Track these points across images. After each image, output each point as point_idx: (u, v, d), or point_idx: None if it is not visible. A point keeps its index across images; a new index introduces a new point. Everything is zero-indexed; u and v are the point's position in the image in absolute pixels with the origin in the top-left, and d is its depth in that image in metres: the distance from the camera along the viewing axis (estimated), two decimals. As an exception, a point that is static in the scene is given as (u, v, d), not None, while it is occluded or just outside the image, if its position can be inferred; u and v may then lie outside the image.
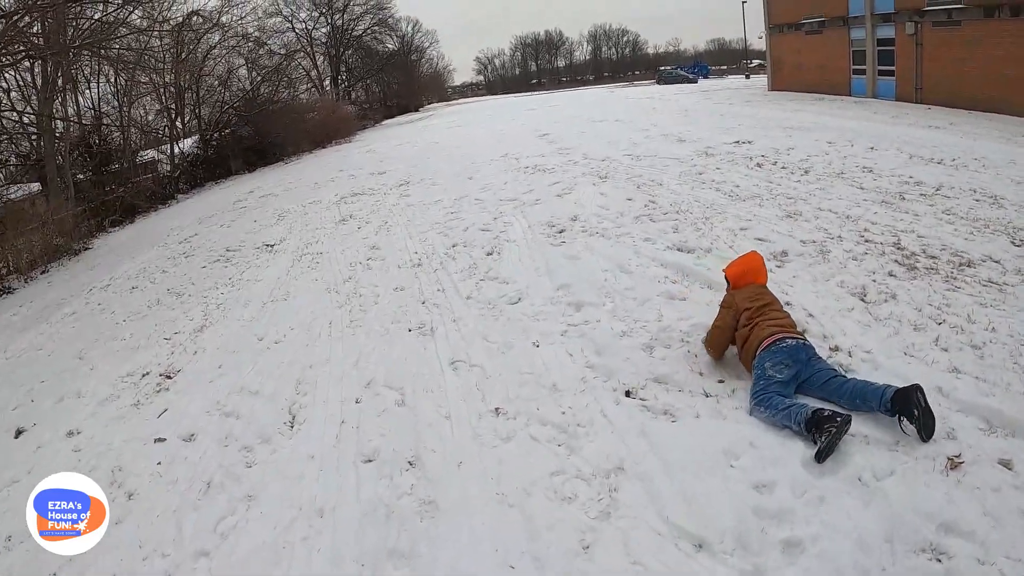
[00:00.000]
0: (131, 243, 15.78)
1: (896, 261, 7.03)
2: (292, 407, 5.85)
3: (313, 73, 53.77)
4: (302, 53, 50.31)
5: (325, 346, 6.97)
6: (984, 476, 3.88)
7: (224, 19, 29.90)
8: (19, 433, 6.52)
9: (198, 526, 4.54)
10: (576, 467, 4.46)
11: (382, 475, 4.71)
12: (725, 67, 77.49)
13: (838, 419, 4.15)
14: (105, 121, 24.55)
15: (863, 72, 24.23)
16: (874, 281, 6.58)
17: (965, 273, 6.63)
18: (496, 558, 3.84)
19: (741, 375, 5.14)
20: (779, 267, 7.16)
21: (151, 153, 26.68)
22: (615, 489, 4.21)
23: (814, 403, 4.52)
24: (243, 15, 31.41)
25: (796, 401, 4.54)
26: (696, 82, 52.15)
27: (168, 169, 26.23)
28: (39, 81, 20.38)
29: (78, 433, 6.20)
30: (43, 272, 14.41)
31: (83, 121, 23.58)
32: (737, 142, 14.66)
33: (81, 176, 22.05)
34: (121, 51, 20.72)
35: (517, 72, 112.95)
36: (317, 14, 56.64)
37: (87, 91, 24.59)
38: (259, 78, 33.01)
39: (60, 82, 21.22)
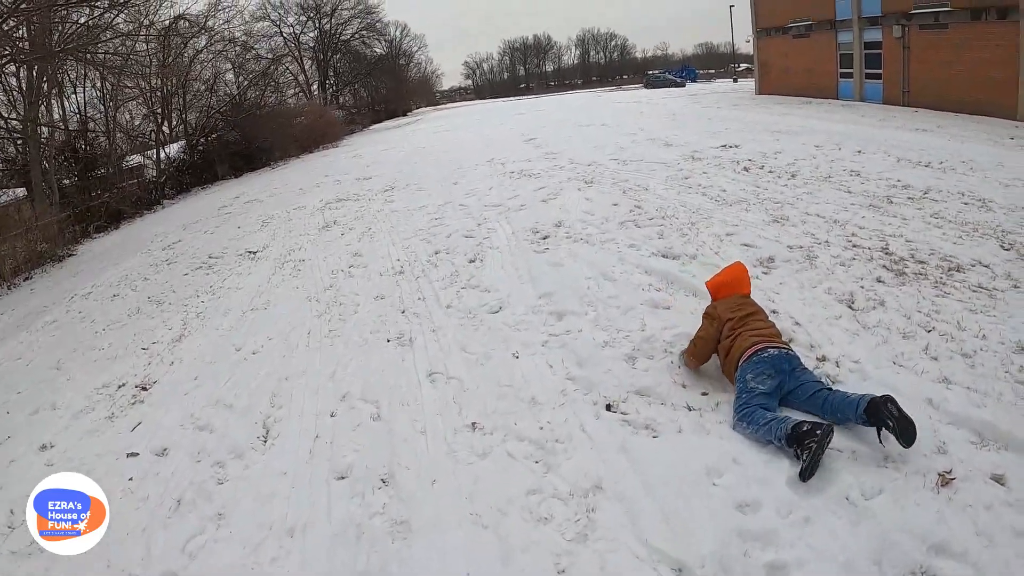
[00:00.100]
0: (115, 249, 15.54)
1: (884, 267, 6.92)
2: (266, 421, 5.67)
3: (301, 77, 53.67)
4: (290, 57, 50.22)
5: (302, 357, 6.80)
6: (976, 493, 3.74)
7: (211, 23, 29.73)
8: (-8, 447, 6.30)
9: (167, 545, 4.36)
10: (553, 486, 4.29)
11: (354, 493, 4.55)
12: (713, 71, 78.16)
13: (818, 432, 3.97)
14: (91, 126, 24.27)
15: (850, 75, 24.33)
16: (862, 287, 6.46)
17: (954, 278, 6.52)
18: (469, 582, 3.66)
19: (726, 387, 4.98)
20: (765, 274, 7.02)
21: (137, 158, 26.41)
22: (593, 509, 4.05)
23: (797, 416, 4.37)
24: (230, 19, 31.16)
25: (777, 415, 4.36)
26: (684, 86, 52.47)
27: (154, 174, 25.96)
28: (24, 85, 20.09)
29: (51, 447, 6.00)
30: (26, 279, 14.20)
31: (69, 126, 23.31)
32: (724, 146, 14.62)
33: (67, 181, 21.73)
34: (107, 55, 20.50)
35: (505, 76, 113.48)
36: (305, 18, 56.69)
37: (73, 95, 24.35)
38: (246, 83, 32.78)
39: (46, 87, 20.99)
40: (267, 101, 33.42)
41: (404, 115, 63.37)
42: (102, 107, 25.05)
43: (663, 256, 7.87)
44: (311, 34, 57.16)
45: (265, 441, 5.40)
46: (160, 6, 25.78)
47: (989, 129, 15.26)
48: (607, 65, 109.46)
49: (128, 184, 23.31)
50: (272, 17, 53.01)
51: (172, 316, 8.91)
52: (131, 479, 5.17)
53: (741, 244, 7.94)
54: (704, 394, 5.02)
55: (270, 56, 41.79)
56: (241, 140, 29.15)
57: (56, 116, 23.21)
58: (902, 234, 7.82)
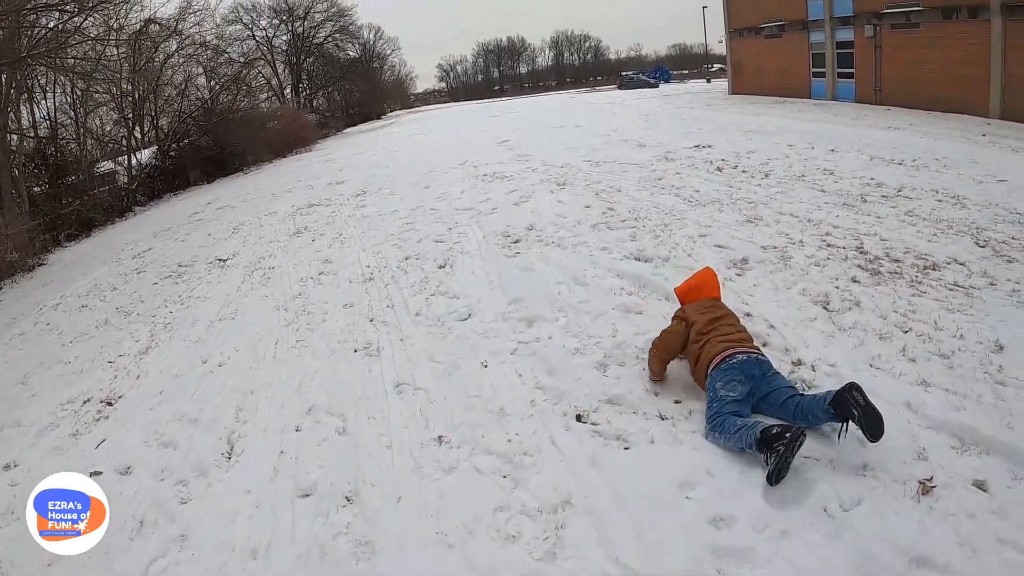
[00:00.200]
0: (86, 258, 15.24)
1: (859, 266, 6.84)
2: (231, 436, 5.51)
3: (274, 81, 53.07)
4: (262, 61, 49.71)
5: (269, 369, 6.62)
6: (958, 500, 3.63)
7: (182, 27, 29.28)
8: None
9: (128, 569, 4.21)
10: (521, 502, 4.12)
11: (318, 512, 4.38)
12: (686, 71, 78.55)
13: (787, 435, 3.82)
14: (61, 132, 23.83)
15: (823, 75, 24.47)
16: (837, 288, 6.37)
17: (930, 277, 6.46)
18: (433, 606, 3.48)
19: (699, 394, 4.82)
20: (739, 275, 6.91)
21: (108, 164, 25.99)
22: (562, 526, 3.88)
23: (769, 421, 4.23)
24: (200, 20, 30.68)
25: (748, 422, 4.20)
26: (657, 87, 52.62)
27: (126, 181, 25.55)
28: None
29: (15, 466, 5.82)
30: (-4, 289, 13.83)
31: (38, 132, 22.87)
32: (697, 146, 14.57)
33: (37, 189, 21.43)
34: (77, 61, 20.12)
35: (480, 79, 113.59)
36: (278, 21, 56.18)
37: (43, 101, 23.85)
38: (218, 87, 32.38)
39: (14, 93, 20.55)
40: (240, 105, 33.06)
41: (378, 118, 63.01)
42: (72, 113, 24.61)
43: (635, 259, 7.73)
44: (284, 37, 56.75)
45: (229, 458, 5.23)
46: (130, 10, 25.42)
47: (961, 126, 15.34)
48: (581, 67, 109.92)
49: (99, 191, 22.92)
50: (244, 20, 52.57)
51: (140, 327, 8.70)
52: (95, 499, 4.98)
53: (714, 245, 7.83)
54: (677, 402, 4.87)
55: (242, 60, 41.40)
56: (213, 145, 28.80)
57: (25, 123, 22.77)
58: (877, 233, 7.76)
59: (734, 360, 4.53)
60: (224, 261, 11.26)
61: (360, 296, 8.06)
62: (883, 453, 3.94)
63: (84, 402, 6.82)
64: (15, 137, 20.93)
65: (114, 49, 23.96)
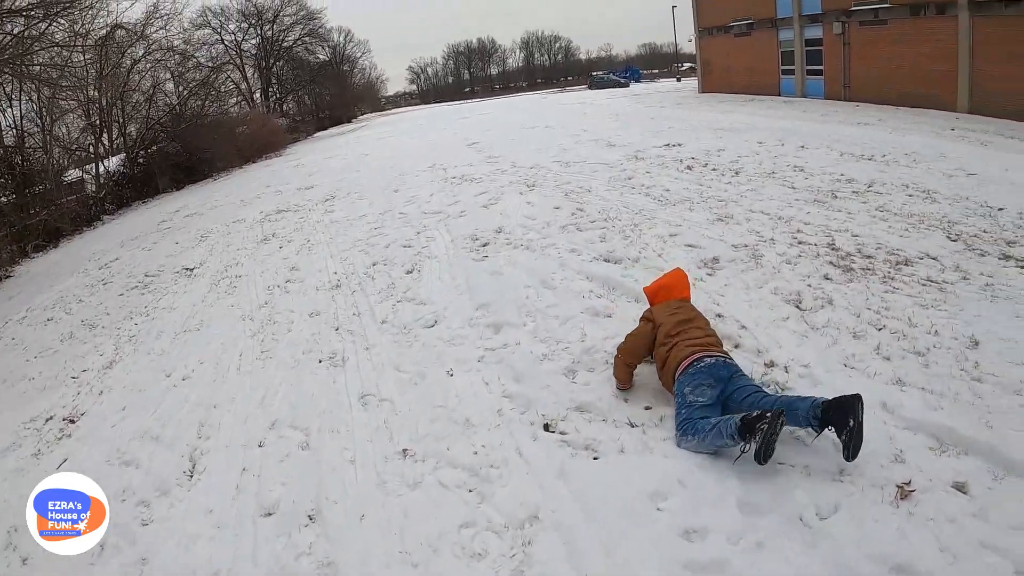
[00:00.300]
0: (54, 269, 14.92)
1: (831, 263, 6.79)
2: (193, 453, 5.32)
3: (243, 86, 52.57)
4: (231, 65, 49.22)
5: (233, 382, 6.43)
6: (938, 504, 3.53)
7: (149, 32, 28.73)
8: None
9: None
10: (487, 517, 3.96)
11: (280, 532, 4.21)
12: (657, 71, 78.92)
13: (768, 415, 3.74)
14: (28, 141, 23.26)
15: (792, 72, 24.64)
16: (809, 286, 6.29)
17: (903, 272, 6.42)
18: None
19: (670, 400, 4.65)
20: (710, 275, 6.82)
21: (76, 173, 25.40)
22: (529, 542, 3.72)
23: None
24: (167, 22, 30.02)
25: (722, 417, 4.09)
26: (628, 86, 52.85)
27: (94, 189, 25.01)
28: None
29: (-24, 489, 5.56)
30: (-37, 304, 13.40)
31: (4, 141, 22.31)
32: (667, 145, 14.54)
33: (3, 199, 20.82)
34: (42, 67, 19.67)
35: (450, 81, 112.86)
36: (247, 25, 55.70)
37: (8, 109, 23.25)
38: (186, 92, 31.86)
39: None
40: (208, 111, 32.54)
41: (349, 122, 62.42)
42: (39, 121, 24.04)
43: (605, 260, 7.62)
44: (253, 41, 56.34)
45: (191, 476, 5.06)
46: (96, 15, 24.90)
47: (930, 121, 15.48)
48: (552, 67, 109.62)
49: (67, 200, 22.36)
50: (213, 24, 52.01)
51: (104, 341, 8.48)
52: (56, 523, 4.79)
53: (685, 245, 7.76)
54: (647, 408, 4.73)
55: (211, 64, 40.82)
56: (182, 151, 28.31)
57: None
58: (848, 229, 7.72)
59: (702, 364, 4.39)
60: (191, 270, 11.02)
61: (327, 304, 7.89)
62: (860, 457, 3.80)
63: (47, 420, 6.60)
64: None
65: (80, 55, 23.44)
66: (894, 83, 19.23)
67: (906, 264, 6.60)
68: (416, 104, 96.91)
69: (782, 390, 4.67)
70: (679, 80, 51.84)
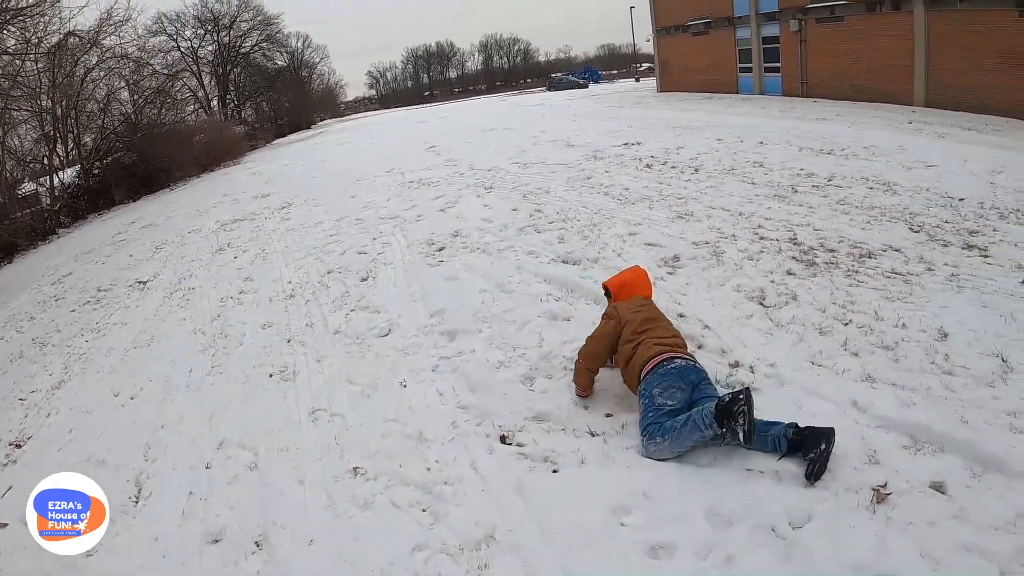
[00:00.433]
0: (6, 286, 14.35)
1: (794, 258, 6.72)
2: (139, 477, 5.01)
3: (200, 93, 51.50)
4: (188, 72, 48.30)
5: (181, 400, 6.13)
6: (916, 507, 3.36)
7: (103, 39, 27.95)
8: None
9: None
10: (441, 539, 3.70)
11: (226, 560, 3.95)
12: (616, 72, 79.40)
13: (741, 396, 3.65)
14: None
15: (749, 70, 24.85)
16: (772, 282, 6.19)
17: (866, 265, 6.38)
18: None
19: (632, 405, 4.46)
20: (671, 274, 6.70)
21: (30, 186, 24.68)
22: (485, 565, 3.48)
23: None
24: (119, 26, 29.09)
25: (690, 411, 3.91)
26: (587, 87, 53.13)
27: (48, 202, 24.29)
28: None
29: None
30: (-85, 325, 12.88)
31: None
32: (626, 144, 14.53)
33: (-44, 215, 20.21)
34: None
35: (410, 85, 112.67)
36: (203, 31, 54.52)
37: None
38: (141, 101, 31.14)
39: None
40: (165, 119, 31.86)
41: (308, 128, 61.60)
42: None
43: (563, 261, 7.48)
44: (210, 47, 54.97)
45: (137, 502, 4.75)
46: (49, 23, 24.21)
47: (888, 115, 15.67)
48: (511, 70, 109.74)
49: (21, 214, 21.76)
50: (169, 31, 50.74)
51: (54, 360, 8.10)
52: None
53: (645, 243, 7.65)
54: (608, 415, 4.51)
55: (167, 72, 40.04)
56: (139, 161, 27.53)
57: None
58: (809, 223, 7.69)
59: (672, 365, 4.19)
60: (144, 283, 10.64)
61: (279, 315, 7.63)
62: (832, 460, 3.65)
63: (-7, 445, 6.27)
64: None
65: (33, 64, 22.83)
66: (851, 79, 19.46)
67: (869, 257, 6.56)
68: (376, 109, 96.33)
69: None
70: (638, 80, 52.18)
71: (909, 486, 3.49)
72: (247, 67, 57.85)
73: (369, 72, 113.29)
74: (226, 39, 55.84)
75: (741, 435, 3.62)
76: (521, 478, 4.04)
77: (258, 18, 57.76)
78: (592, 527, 3.55)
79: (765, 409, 4.02)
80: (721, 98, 23.92)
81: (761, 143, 12.66)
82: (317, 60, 74.06)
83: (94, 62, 27.63)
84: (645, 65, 59.79)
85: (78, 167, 26.29)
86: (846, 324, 5.26)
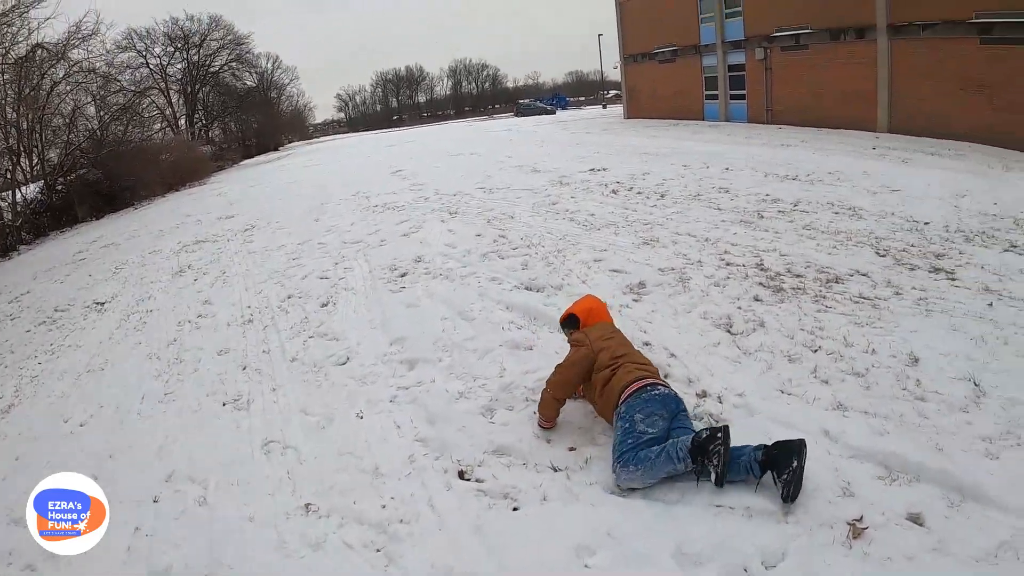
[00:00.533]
0: (-34, 305, 14.00)
1: (761, 284, 6.68)
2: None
3: (168, 111, 51.16)
4: (156, 90, 47.92)
5: (132, 428, 5.91)
6: (894, 541, 3.25)
7: (71, 52, 27.49)
8: None
9: None
10: (395, 584, 3.49)
11: None
12: (583, 98, 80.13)
13: (719, 435, 3.57)
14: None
15: (715, 97, 25.16)
16: (739, 308, 6.12)
17: (834, 290, 6.36)
18: None
19: (596, 439, 4.32)
20: (636, 301, 6.61)
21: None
22: (442, 612, 3.26)
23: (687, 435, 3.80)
24: (85, 41, 28.63)
25: (666, 442, 3.78)
26: (555, 113, 53.58)
27: (10, 218, 23.74)
28: None
29: None
30: None
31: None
32: (593, 170, 14.58)
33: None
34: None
35: (379, 108, 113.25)
36: (172, 49, 54.43)
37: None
38: (108, 117, 30.65)
39: None
40: (131, 136, 31.43)
41: (276, 150, 61.34)
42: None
43: (527, 288, 7.37)
44: (179, 65, 54.96)
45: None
46: (18, 32, 23.81)
47: (852, 141, 15.92)
48: (479, 95, 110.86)
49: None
50: (138, 47, 50.63)
51: (6, 382, 7.85)
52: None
53: (610, 270, 7.58)
54: (571, 449, 4.34)
55: (134, 88, 39.53)
56: (103, 179, 27.17)
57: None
58: (776, 248, 7.68)
59: (656, 392, 4.07)
60: (102, 304, 10.42)
61: (237, 340, 7.45)
62: (805, 493, 3.54)
63: (-60, 475, 6.00)
64: None
65: (-1, 74, 22.45)
66: (816, 106, 19.79)
67: (837, 282, 6.54)
68: (345, 132, 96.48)
69: (716, 422, 4.38)
70: (605, 107, 52.82)
71: (885, 519, 3.38)
72: (216, 86, 57.93)
73: (338, 95, 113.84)
74: (196, 57, 55.98)
75: (713, 476, 3.54)
76: (480, 516, 3.85)
77: (228, 37, 57.87)
78: (554, 568, 3.39)
79: (735, 441, 3.86)
80: (687, 125, 24.20)
81: (727, 169, 12.74)
82: (287, 82, 74.20)
83: (61, 75, 27.30)
84: (613, 92, 60.51)
85: (42, 182, 25.94)
86: (815, 351, 5.19)
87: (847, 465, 3.80)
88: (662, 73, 28.45)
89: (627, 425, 3.95)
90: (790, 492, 3.48)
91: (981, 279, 6.34)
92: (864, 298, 6.07)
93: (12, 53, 23.03)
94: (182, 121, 53.49)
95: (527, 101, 65.45)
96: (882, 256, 7.10)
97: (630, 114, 31.41)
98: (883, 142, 15.48)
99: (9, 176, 24.74)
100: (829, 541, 3.28)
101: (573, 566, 3.38)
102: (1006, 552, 3.09)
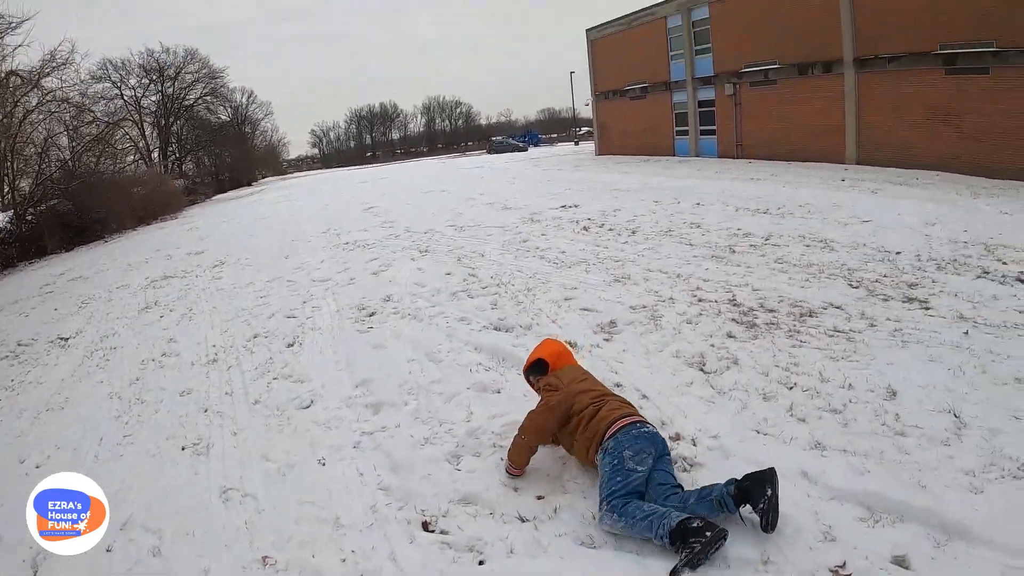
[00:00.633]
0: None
1: (734, 319, 6.61)
2: (36, 559, 4.49)
3: (141, 143, 50.60)
4: (129, 122, 47.46)
5: (88, 472, 5.40)
6: None
7: (44, 81, 27.22)
8: None
9: None
10: (353, 646, 3.29)
11: None
12: (556, 135, 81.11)
13: (708, 533, 3.33)
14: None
15: (686, 133, 25.48)
16: (712, 346, 6.03)
17: (808, 324, 6.30)
18: None
19: (565, 486, 4.14)
20: (607, 340, 6.49)
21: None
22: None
23: (677, 512, 3.58)
24: (58, 69, 28.34)
25: (658, 509, 3.58)
26: (527, 150, 53.98)
27: (-23, 249, 23.28)
28: None
29: None
30: None
31: None
32: (564, 206, 14.63)
33: None
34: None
35: (352, 145, 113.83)
36: (147, 81, 53.99)
37: None
38: (80, 147, 30.29)
39: None
40: (104, 168, 31.10)
41: (249, 185, 61.07)
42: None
43: (495, 328, 7.25)
44: (153, 98, 54.43)
45: None
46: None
47: (822, 174, 16.17)
48: (453, 132, 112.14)
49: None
50: (113, 78, 50.15)
51: None
52: None
53: (580, 309, 7.48)
54: (539, 497, 4.14)
55: (108, 120, 39.17)
56: (74, 210, 26.71)
57: None
58: (748, 283, 7.64)
59: (645, 430, 3.94)
60: (66, 340, 10.10)
61: (200, 381, 7.23)
62: (784, 539, 3.41)
63: None
64: None
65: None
66: (785, 139, 20.13)
67: (810, 315, 6.49)
68: (318, 168, 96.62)
69: (690, 467, 4.23)
70: (577, 143, 53.37)
71: (869, 563, 3.26)
72: (190, 120, 57.48)
73: (312, 131, 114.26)
74: (170, 90, 55.57)
75: (673, 565, 3.35)
76: (444, 571, 3.64)
77: (203, 71, 57.66)
78: (520, 633, 3.16)
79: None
80: (658, 160, 24.48)
81: (698, 204, 12.79)
82: (261, 116, 74.33)
83: (34, 103, 27.05)
84: (584, 129, 61.17)
85: (11, 212, 25.39)
86: (791, 388, 5.10)
87: (827, 508, 3.67)
88: (633, 110, 28.79)
89: (615, 462, 3.81)
90: (770, 520, 3.40)
91: (955, 307, 6.35)
92: (839, 331, 6.01)
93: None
94: (155, 154, 52.95)
95: (500, 138, 65.99)
96: (855, 288, 7.08)
97: (602, 150, 31.73)
98: (852, 173, 15.70)
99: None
100: (812, 590, 3.12)
101: (541, 625, 3.17)
102: (995, 591, 2.96)
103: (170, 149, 55.16)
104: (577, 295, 7.96)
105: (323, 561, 3.91)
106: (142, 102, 52.82)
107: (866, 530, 3.49)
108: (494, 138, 67.99)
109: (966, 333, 5.70)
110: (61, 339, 10.13)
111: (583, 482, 4.14)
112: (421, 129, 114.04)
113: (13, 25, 24.17)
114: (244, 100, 69.67)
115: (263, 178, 70.35)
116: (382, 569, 3.75)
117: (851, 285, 7.19)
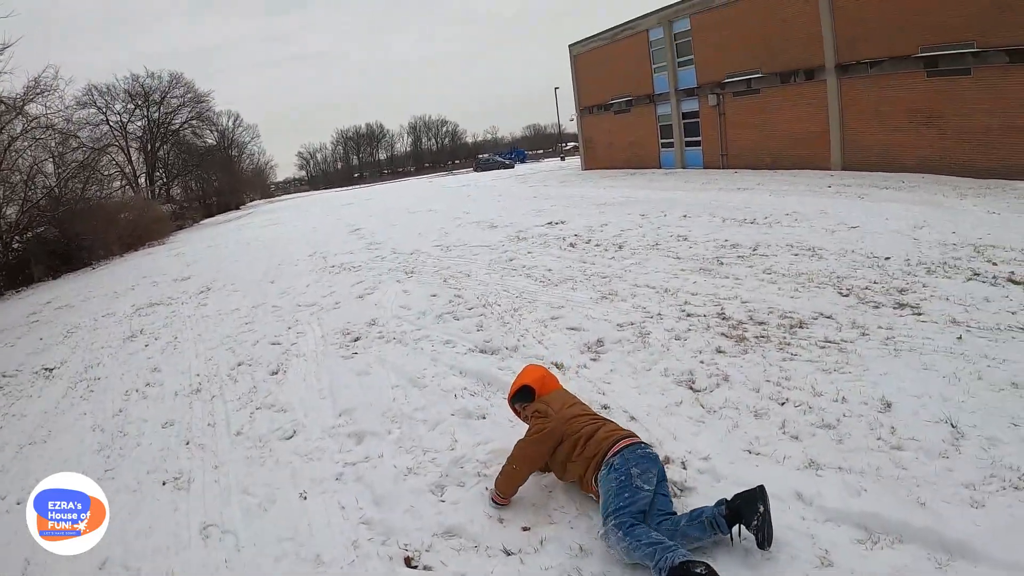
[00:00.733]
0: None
1: (723, 334, 6.50)
2: None
3: (128, 169, 50.53)
4: (115, 147, 47.38)
5: None
6: None
7: (29, 108, 27.01)
8: None
9: None
10: None
11: None
12: (542, 151, 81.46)
13: (703, 573, 3.19)
14: None
15: (671, 145, 25.57)
16: (702, 363, 5.92)
17: (798, 336, 6.21)
18: None
19: (552, 516, 4.01)
20: (594, 360, 6.38)
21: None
22: None
23: (684, 550, 3.43)
24: (42, 94, 28.12)
25: (664, 541, 3.43)
26: (513, 167, 54.12)
27: (-36, 278, 23.10)
28: None
29: None
30: None
31: None
32: (550, 223, 14.63)
33: None
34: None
35: (340, 166, 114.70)
36: (133, 106, 54.14)
37: None
38: (66, 174, 30.11)
39: None
40: (90, 194, 30.93)
41: (237, 208, 61.24)
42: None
43: (481, 351, 7.13)
44: (139, 123, 54.66)
45: None
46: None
47: (807, 181, 16.20)
48: (439, 151, 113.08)
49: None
50: (99, 103, 50.42)
51: None
52: None
53: (567, 328, 7.38)
54: (525, 529, 4.01)
55: (93, 146, 39.00)
56: (60, 237, 26.64)
57: None
58: (737, 295, 7.57)
59: (648, 451, 3.87)
60: (50, 371, 9.97)
61: (183, 412, 7.10)
62: (779, 566, 3.30)
63: None
64: None
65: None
66: (770, 148, 20.20)
67: (801, 326, 6.41)
68: (306, 190, 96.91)
69: (680, 491, 4.10)
70: (563, 159, 53.59)
71: (869, 588, 3.12)
72: (177, 144, 57.57)
73: (299, 153, 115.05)
74: (156, 115, 55.76)
75: None
76: (427, 611, 3.48)
77: (189, 95, 57.82)
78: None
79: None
80: (644, 173, 24.56)
81: (685, 216, 12.77)
82: (248, 140, 74.64)
83: (19, 130, 26.85)
84: (570, 144, 61.38)
85: (-3, 240, 25.16)
86: (782, 404, 4.99)
87: (823, 531, 3.55)
88: (618, 124, 28.88)
89: (623, 478, 3.71)
90: (764, 537, 3.33)
91: (947, 311, 6.29)
92: (830, 342, 5.92)
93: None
94: (142, 179, 52.89)
95: (486, 156, 66.33)
96: (845, 296, 7.02)
97: (587, 165, 31.82)
98: (838, 179, 15.75)
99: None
100: (807, 620, 3.00)
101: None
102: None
103: (157, 174, 55.19)
104: (564, 314, 7.87)
105: (303, 601, 3.79)
106: (128, 127, 53.04)
107: (864, 553, 3.38)
108: (480, 156, 68.41)
109: (959, 338, 5.63)
110: (46, 370, 10.00)
111: (570, 511, 4.02)
112: (408, 148, 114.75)
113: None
114: (230, 124, 69.94)
115: (251, 201, 70.41)
116: (364, 611, 3.63)
117: (841, 293, 7.13)
